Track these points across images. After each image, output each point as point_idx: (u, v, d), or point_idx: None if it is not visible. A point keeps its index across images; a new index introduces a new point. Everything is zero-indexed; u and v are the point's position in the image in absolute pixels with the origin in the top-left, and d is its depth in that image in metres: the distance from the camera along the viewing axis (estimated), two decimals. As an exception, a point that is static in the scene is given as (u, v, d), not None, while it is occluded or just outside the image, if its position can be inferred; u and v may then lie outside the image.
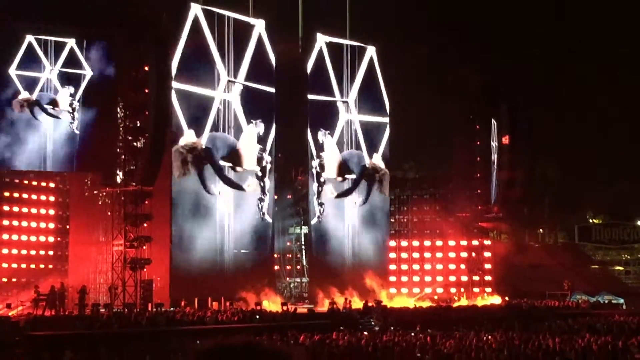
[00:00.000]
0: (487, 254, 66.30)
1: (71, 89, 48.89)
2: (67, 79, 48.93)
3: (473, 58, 66.76)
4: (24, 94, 47.76)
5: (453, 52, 69.08)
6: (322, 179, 55.72)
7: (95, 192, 52.43)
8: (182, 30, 48.89)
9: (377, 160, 58.75)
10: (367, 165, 58.01)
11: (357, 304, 49.55)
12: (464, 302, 59.73)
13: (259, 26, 53.05)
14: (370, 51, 59.32)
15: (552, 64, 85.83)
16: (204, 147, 49.38)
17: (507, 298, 61.55)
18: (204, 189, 49.20)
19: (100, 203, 51.89)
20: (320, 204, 55.61)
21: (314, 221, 55.74)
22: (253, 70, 52.41)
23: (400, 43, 60.25)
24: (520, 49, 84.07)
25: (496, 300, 61.30)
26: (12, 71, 47.46)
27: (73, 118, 48.86)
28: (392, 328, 39.37)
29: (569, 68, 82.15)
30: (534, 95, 76.37)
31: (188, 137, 48.74)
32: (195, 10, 49.73)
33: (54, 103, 48.64)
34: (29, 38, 47.78)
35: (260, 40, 52.97)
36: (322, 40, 56.91)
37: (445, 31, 70.84)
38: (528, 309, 54.08)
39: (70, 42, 48.95)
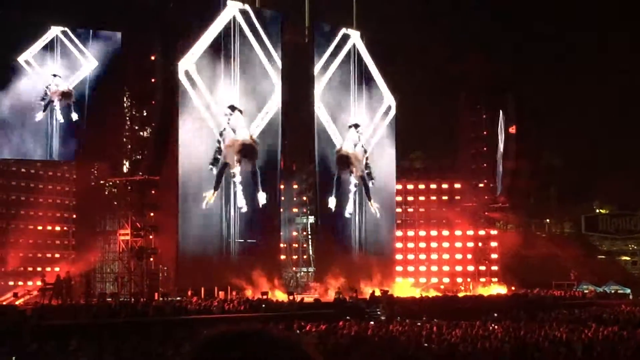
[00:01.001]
0: (494, 244, 66.26)
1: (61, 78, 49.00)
2: (73, 68, 48.94)
3: (479, 48, 66.47)
4: (63, 86, 47.88)
5: (459, 42, 68.83)
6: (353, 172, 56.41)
7: (101, 181, 52.50)
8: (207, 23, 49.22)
9: (347, 145, 58.24)
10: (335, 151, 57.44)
11: (364, 293, 49.57)
12: (470, 292, 59.71)
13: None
14: (355, 36, 59.00)
15: (558, 53, 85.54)
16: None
17: (513, 288, 61.53)
18: (215, 187, 49.21)
19: (106, 192, 51.97)
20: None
21: (347, 214, 56.26)
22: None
23: (407, 33, 59.96)
24: (526, 38, 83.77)
25: (502, 290, 61.28)
26: (21, 59, 47.54)
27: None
28: (398, 318, 39.37)
29: (576, 57, 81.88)
30: (541, 84, 76.10)
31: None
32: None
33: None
34: (54, 30, 47.90)
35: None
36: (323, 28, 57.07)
37: (452, 21, 70.62)
38: (534, 299, 54.05)
39: (78, 31, 48.97)
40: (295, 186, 60.21)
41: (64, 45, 48.73)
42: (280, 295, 47.23)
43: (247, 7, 51.99)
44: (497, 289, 61.57)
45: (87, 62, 49.09)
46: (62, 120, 48.33)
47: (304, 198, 60.13)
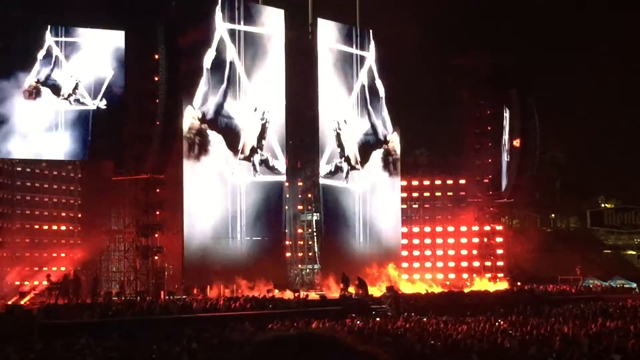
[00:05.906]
0: (499, 239, 66.15)
1: (78, 79, 48.87)
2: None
3: (481, 42, 66.30)
4: (29, 80, 47.68)
5: (462, 36, 68.77)
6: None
7: (107, 180, 52.49)
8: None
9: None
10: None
11: (369, 290, 49.51)
12: (475, 287, 59.59)
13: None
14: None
15: (562, 45, 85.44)
16: None
17: (519, 283, 61.43)
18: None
19: (112, 191, 51.97)
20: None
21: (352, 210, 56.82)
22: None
23: (409, 26, 59.87)
24: (530, 32, 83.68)
25: (508, 285, 61.16)
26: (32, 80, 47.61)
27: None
28: (405, 314, 39.35)
29: (580, 49, 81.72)
30: (545, 78, 76.00)
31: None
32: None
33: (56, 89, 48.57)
34: (49, 39, 47.89)
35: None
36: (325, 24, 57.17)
37: (455, 15, 70.44)
38: (540, 294, 54.00)
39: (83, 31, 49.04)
40: (300, 183, 60.09)
41: (70, 45, 48.76)
42: (286, 293, 47.24)
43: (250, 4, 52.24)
44: (503, 285, 61.47)
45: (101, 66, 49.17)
46: (67, 120, 48.32)
47: (309, 195, 59.98)
